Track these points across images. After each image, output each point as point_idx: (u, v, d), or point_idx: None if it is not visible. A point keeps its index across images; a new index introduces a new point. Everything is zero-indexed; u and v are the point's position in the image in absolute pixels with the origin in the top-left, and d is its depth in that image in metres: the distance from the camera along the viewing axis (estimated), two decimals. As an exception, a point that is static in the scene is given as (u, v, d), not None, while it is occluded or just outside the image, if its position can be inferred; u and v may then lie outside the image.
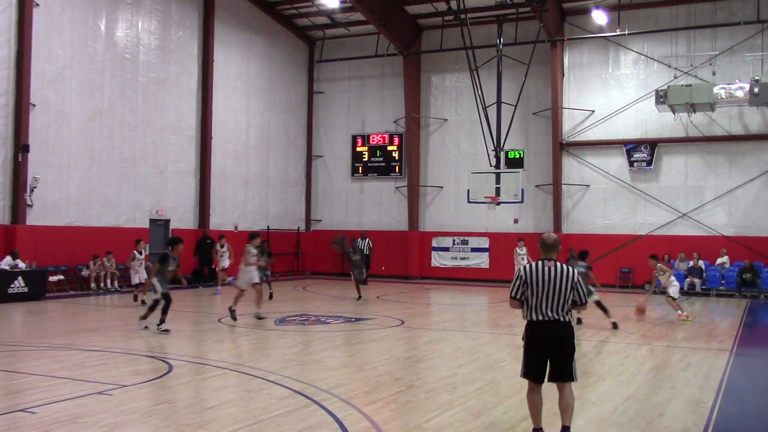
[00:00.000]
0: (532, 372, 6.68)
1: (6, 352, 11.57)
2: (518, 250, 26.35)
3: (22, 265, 19.85)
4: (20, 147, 20.67)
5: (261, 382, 9.32)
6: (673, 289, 16.87)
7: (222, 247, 23.81)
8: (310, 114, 33.94)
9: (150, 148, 25.39)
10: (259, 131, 30.85)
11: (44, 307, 18.69)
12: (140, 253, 19.76)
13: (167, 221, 26.14)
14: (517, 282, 6.72)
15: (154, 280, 14.10)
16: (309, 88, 33.94)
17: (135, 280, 19.79)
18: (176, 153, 26.57)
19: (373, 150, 32.63)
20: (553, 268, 6.54)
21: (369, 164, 32.72)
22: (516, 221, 29.83)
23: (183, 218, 26.83)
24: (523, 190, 25.81)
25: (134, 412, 7.89)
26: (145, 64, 25.23)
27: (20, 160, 20.71)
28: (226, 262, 23.65)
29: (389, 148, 32.35)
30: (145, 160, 25.17)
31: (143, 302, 18.28)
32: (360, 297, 21.22)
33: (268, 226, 30.65)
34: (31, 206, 21.09)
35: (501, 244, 29.66)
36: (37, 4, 21.24)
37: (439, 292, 26.02)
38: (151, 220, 25.46)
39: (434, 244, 31.39)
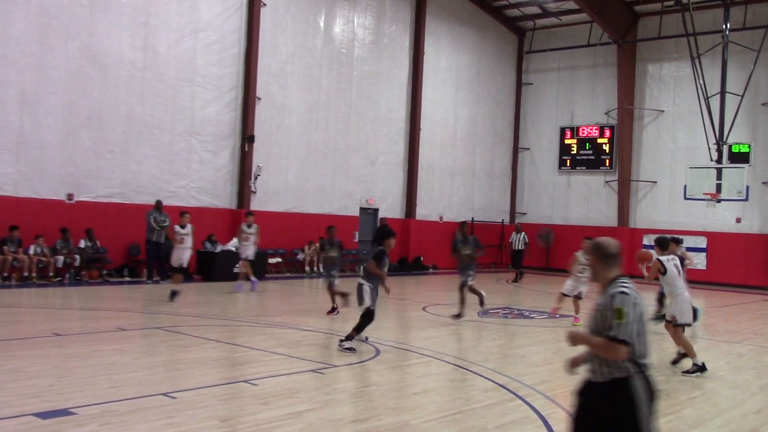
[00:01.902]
0: None
1: (231, 327, 12.60)
2: (581, 257, 14.74)
3: (245, 247, 21.43)
4: (247, 137, 22.33)
5: (464, 373, 9.40)
6: None
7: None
8: (517, 106, 33.60)
9: (362, 140, 26.41)
10: (467, 123, 31.02)
11: (264, 286, 20.05)
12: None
13: (376, 210, 27.08)
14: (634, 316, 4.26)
15: (366, 288, 10.70)
16: (517, 79, 33.59)
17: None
18: (386, 144, 27.42)
19: (582, 142, 31.69)
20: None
21: (577, 157, 31.82)
22: (739, 220, 27.70)
23: (391, 208, 27.66)
24: (748, 187, 23.89)
25: (344, 392, 8.28)
26: (360, 58, 26.25)
27: (246, 149, 22.37)
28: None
29: (599, 140, 31.25)
30: (357, 150, 26.23)
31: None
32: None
33: (472, 218, 30.77)
34: (254, 192, 22.74)
35: (720, 245, 27.69)
36: (265, 4, 22.77)
37: (649, 292, 24.74)
38: (362, 209, 26.50)
39: (645, 242, 29.88)
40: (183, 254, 16.09)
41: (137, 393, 7.51)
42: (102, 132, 19.40)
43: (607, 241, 4.54)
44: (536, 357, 11.09)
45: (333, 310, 14.53)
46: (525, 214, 33.19)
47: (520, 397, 8.14)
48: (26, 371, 8.30)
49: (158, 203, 19.43)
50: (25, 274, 17.46)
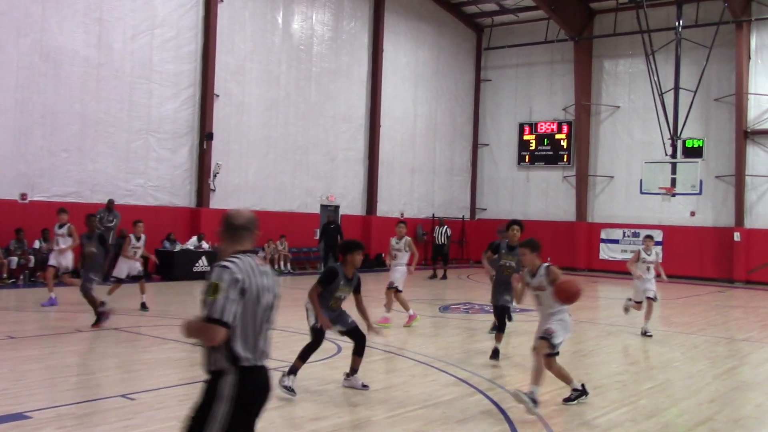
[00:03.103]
0: None
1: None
2: (394, 243, 14.17)
3: (206, 245, 21.29)
4: (205, 135, 22.12)
5: (426, 368, 9.45)
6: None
7: None
8: (476, 102, 33.82)
9: (322, 137, 26.34)
10: (426, 120, 31.14)
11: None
12: (137, 239, 14.36)
13: (337, 207, 27.05)
14: None
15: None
16: (476, 76, 33.81)
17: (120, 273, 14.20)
18: (346, 141, 27.39)
19: (540, 138, 32.04)
20: None
21: (536, 153, 32.16)
22: (693, 214, 28.26)
23: (352, 205, 27.64)
24: (701, 181, 24.39)
25: (305, 390, 8.25)
26: (319, 54, 26.16)
27: (205, 147, 22.16)
28: None
29: (557, 136, 31.62)
30: (317, 147, 26.15)
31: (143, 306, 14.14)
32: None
33: (433, 214, 30.92)
34: (214, 191, 22.54)
35: (675, 238, 28.23)
36: (221, 0, 22.56)
37: (607, 285, 25.17)
38: (322, 206, 26.44)
39: (603, 235, 30.38)
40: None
41: (95, 395, 7.41)
42: (56, 130, 19.05)
43: (236, 212, 4.01)
44: (497, 351, 11.17)
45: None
46: (485, 209, 33.46)
47: (480, 392, 8.21)
48: (-21, 375, 8.12)
49: (109, 202, 19.07)
50: (-22, 276, 17.07)
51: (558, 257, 30.48)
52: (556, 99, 31.73)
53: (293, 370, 7.89)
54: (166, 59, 21.44)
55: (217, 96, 22.53)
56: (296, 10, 25.34)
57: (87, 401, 7.11)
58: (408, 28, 30.02)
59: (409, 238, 13.90)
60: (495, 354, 10.17)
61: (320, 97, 26.24)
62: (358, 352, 8.25)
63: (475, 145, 33.79)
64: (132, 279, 14.48)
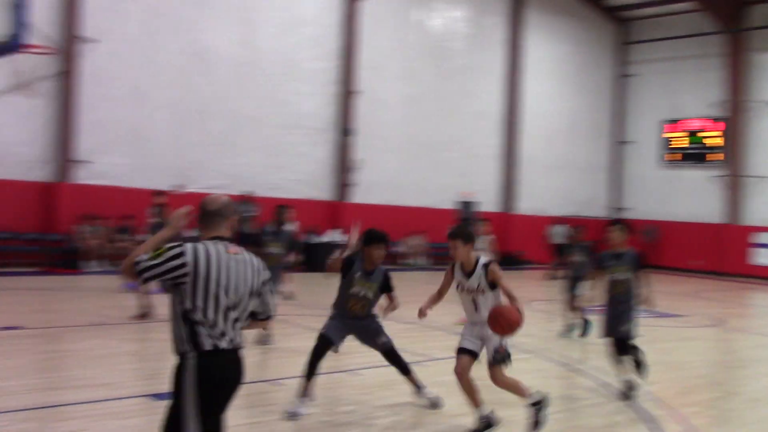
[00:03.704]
0: None
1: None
2: None
3: (345, 238, 21.72)
4: (346, 131, 22.60)
5: (568, 371, 9.23)
6: None
7: None
8: (618, 98, 32.66)
9: (460, 133, 26.28)
10: (567, 116, 30.38)
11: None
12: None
13: (474, 203, 26.91)
14: None
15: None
16: (619, 71, 32.63)
17: None
18: (484, 138, 27.19)
19: (687, 136, 30.52)
20: None
21: (683, 151, 30.67)
22: None
23: (489, 201, 27.42)
24: None
25: (445, 385, 8.24)
26: (457, 51, 26.12)
27: (346, 142, 22.65)
28: None
29: (706, 134, 30.01)
30: (454, 143, 26.12)
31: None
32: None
33: (574, 213, 30.15)
34: (355, 186, 22.99)
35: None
36: (364, -1, 22.99)
37: (762, 292, 23.67)
38: (459, 202, 26.39)
39: (757, 239, 28.56)
40: None
41: (248, 378, 7.71)
42: (208, 125, 20.06)
43: (211, 198, 4.02)
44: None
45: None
46: (628, 209, 32.26)
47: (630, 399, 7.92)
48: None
49: (247, 194, 19.76)
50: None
51: (706, 260, 29.04)
52: (705, 95, 30.07)
53: (302, 391, 6.68)
54: (310, 57, 22.08)
55: (358, 92, 22.95)
56: (435, 7, 25.41)
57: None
58: (547, 23, 29.39)
59: (492, 236, 12.80)
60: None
61: (458, 94, 26.18)
62: (402, 371, 7.05)
63: (617, 143, 32.63)
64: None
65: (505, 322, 5.87)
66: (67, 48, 17.58)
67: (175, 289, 3.76)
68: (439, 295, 6.62)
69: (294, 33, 21.71)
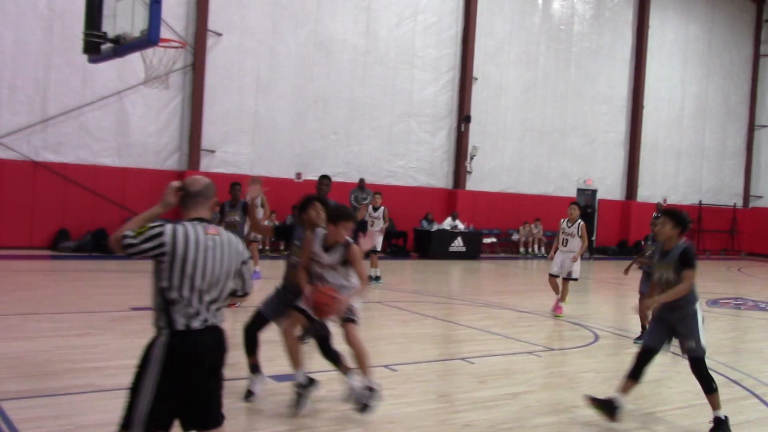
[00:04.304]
0: None
1: (448, 305, 12.82)
2: (564, 226, 12.21)
3: (461, 226, 21.71)
4: (463, 118, 22.49)
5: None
6: None
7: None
8: (754, 79, 30.85)
9: (580, 118, 25.62)
10: (695, 99, 29.01)
11: (478, 266, 20.20)
12: (375, 210, 14.75)
13: (594, 191, 26.21)
14: None
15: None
16: (755, 50, 30.80)
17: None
18: (606, 123, 26.39)
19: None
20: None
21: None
22: None
23: (610, 189, 26.62)
24: None
25: (561, 376, 8.13)
26: (579, 34, 25.41)
27: (462, 130, 22.54)
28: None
29: None
30: (575, 130, 25.49)
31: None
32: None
33: (700, 201, 28.84)
34: (470, 173, 22.88)
35: None
36: (483, -16, 22.72)
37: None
38: (579, 190, 25.76)
39: None
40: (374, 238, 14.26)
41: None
42: (327, 114, 20.47)
43: (193, 179, 3.99)
44: (774, 353, 10.21)
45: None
46: (762, 197, 30.50)
47: (756, 395, 7.54)
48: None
49: (361, 181, 20.03)
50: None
51: None
52: None
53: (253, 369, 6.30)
54: (428, 44, 22.08)
55: (476, 79, 22.77)
56: (557, -11, 24.81)
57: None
58: (676, 2, 28.10)
59: (583, 223, 11.98)
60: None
61: (579, 78, 25.50)
62: (329, 358, 6.28)
63: (751, 127, 30.86)
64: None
65: (323, 304, 5.74)
66: (196, 41, 18.36)
67: (155, 267, 3.84)
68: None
69: (412, 20, 21.76)
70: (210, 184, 4.04)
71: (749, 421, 6.65)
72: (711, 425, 6.08)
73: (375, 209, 14.79)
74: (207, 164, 18.87)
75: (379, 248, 14.97)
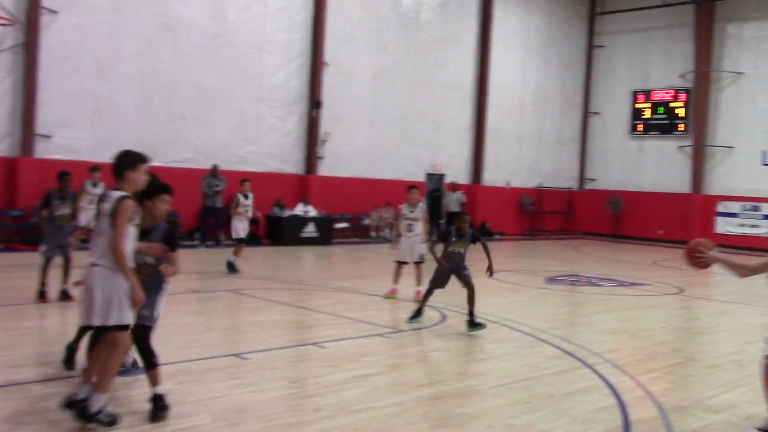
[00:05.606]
0: None
1: (299, 290, 12.82)
2: (406, 210, 12.32)
3: (313, 212, 21.74)
4: (314, 103, 22.46)
5: (531, 340, 9.37)
6: None
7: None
8: (588, 69, 32.79)
9: (429, 105, 26.25)
10: (535, 87, 30.47)
11: (330, 251, 20.34)
12: (246, 197, 14.56)
13: (442, 175, 26.98)
14: None
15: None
16: (589, 41, 32.73)
17: (238, 233, 14.47)
18: (454, 109, 27.21)
19: (655, 107, 30.79)
20: None
21: (650, 122, 30.96)
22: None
23: (457, 173, 27.49)
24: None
25: (410, 357, 8.37)
26: (427, 22, 25.99)
27: (314, 115, 22.52)
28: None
29: (673, 104, 30.30)
30: (424, 115, 26.09)
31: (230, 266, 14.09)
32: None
33: (540, 184, 30.40)
34: (322, 158, 22.92)
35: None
36: (332, -31, 22.70)
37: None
38: (428, 174, 26.43)
39: (720, 209, 29.04)
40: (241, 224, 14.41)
41: (210, 353, 7.75)
42: (174, 98, 19.83)
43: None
44: (604, 325, 10.97)
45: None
46: (595, 180, 32.59)
47: (587, 365, 8.08)
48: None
49: (213, 168, 19.74)
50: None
51: (671, 230, 29.50)
52: (673, 66, 30.31)
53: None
54: (278, 28, 21.84)
55: (327, 64, 22.78)
56: (405, -24, 25.22)
57: (202, 359, 7.45)
58: (519, -6, 29.35)
59: (424, 206, 12.30)
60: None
61: (428, 65, 26.11)
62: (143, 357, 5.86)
63: (586, 114, 32.83)
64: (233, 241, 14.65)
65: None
66: (29, 19, 17.20)
67: None
68: None
69: (262, 3, 21.43)
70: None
71: (581, 389, 7.11)
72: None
73: (245, 197, 14.49)
74: (43, 150, 17.80)
75: (243, 234, 14.53)
